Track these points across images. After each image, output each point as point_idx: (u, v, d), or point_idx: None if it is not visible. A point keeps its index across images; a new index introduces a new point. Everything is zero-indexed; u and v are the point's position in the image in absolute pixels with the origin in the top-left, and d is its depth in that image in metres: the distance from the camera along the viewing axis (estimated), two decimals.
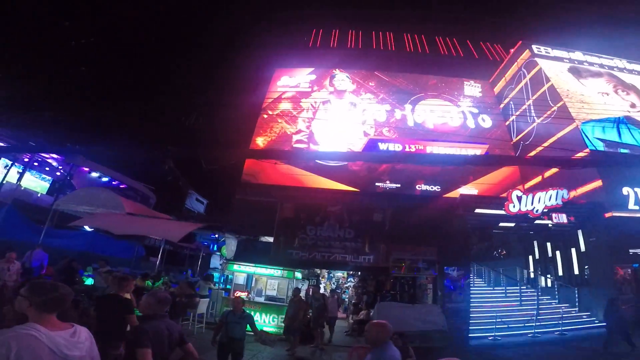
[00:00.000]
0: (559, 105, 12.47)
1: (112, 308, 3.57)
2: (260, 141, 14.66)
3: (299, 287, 13.41)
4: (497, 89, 16.42)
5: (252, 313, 10.50)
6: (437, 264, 10.55)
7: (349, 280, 17.02)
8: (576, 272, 11.29)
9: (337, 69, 16.71)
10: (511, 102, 15.14)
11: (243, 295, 10.91)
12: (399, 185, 13.58)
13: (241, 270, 11.64)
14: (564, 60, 14.65)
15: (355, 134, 14.73)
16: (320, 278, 15.81)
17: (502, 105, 15.78)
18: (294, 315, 7.61)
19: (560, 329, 9.70)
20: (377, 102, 15.71)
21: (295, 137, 14.74)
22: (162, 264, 12.99)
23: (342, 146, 14.40)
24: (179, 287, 8.28)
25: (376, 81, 16.49)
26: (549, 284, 12.22)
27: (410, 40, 19.05)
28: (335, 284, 19.30)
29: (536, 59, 14.31)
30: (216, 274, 12.51)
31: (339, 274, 18.66)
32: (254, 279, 12.40)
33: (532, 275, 13.07)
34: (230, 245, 11.52)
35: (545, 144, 11.71)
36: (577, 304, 11.05)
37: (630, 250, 10.35)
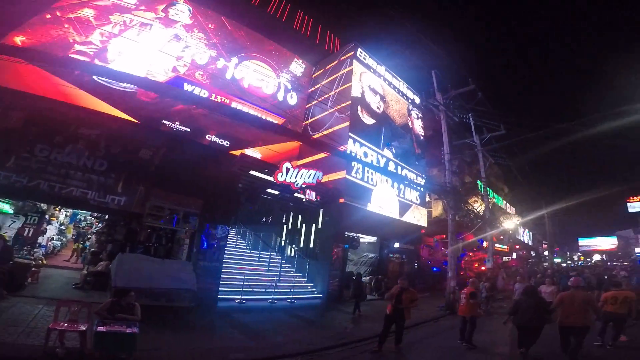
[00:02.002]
0: (345, 104, 14.44)
1: None
2: (19, 40, 10.23)
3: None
4: (315, 74, 17.57)
5: None
6: (199, 218, 10.07)
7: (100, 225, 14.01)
8: (312, 245, 13.13)
9: None
10: (319, 90, 16.50)
11: None
12: (188, 130, 12.24)
13: None
14: (370, 69, 16.76)
15: (162, 67, 12.39)
16: (50, 217, 12.20)
17: (311, 90, 16.97)
18: None
19: (291, 297, 10.73)
20: (206, 45, 13.72)
21: (77, 47, 11.01)
22: None
23: (140, 74, 11.84)
24: None
25: (217, 26, 14.34)
26: (292, 254, 13.73)
27: (276, 2, 17.98)
28: (80, 227, 15.61)
29: (354, 60, 15.72)
30: None
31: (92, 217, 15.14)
32: None
33: (282, 243, 14.51)
34: None
35: (326, 132, 13.42)
36: (307, 274, 12.57)
37: (346, 233, 13.08)
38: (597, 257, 64.33)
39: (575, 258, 67.96)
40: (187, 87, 12.79)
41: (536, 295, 6.40)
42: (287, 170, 10.50)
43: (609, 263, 49.25)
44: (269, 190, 11.33)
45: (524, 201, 33.64)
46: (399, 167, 16.38)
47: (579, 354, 5.69)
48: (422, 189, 17.22)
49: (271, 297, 10.35)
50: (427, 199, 18.66)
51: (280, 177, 10.41)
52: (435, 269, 18.68)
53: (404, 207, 15.85)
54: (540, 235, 44.54)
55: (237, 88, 14.26)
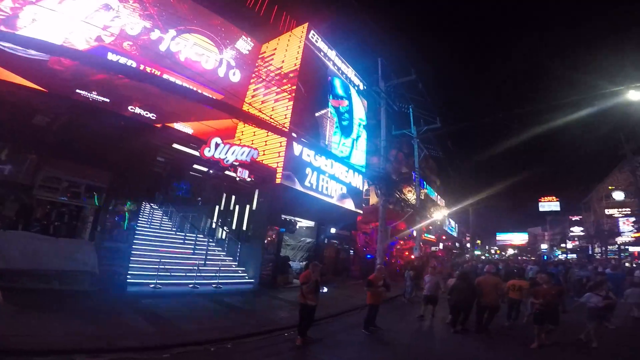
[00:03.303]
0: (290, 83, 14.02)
1: None
2: None
3: None
4: (262, 53, 16.71)
5: None
6: (105, 193, 8.88)
7: None
8: (245, 228, 12.47)
9: None
10: (264, 67, 15.73)
11: None
12: (107, 100, 10.86)
13: None
14: (321, 52, 16.12)
15: (84, 35, 11.02)
16: None
17: (258, 68, 16.08)
18: None
19: (217, 281, 10.04)
20: (140, 16, 12.28)
21: None
22: None
23: (56, 42, 10.40)
24: None
25: None
26: (224, 236, 12.90)
27: None
28: None
29: (305, 41, 14.95)
30: None
31: None
32: None
33: (213, 225, 13.58)
34: None
35: (272, 114, 12.89)
36: (238, 258, 11.88)
37: (283, 216, 12.61)
38: (510, 251, 72.73)
39: (493, 251, 75.69)
40: (112, 56, 11.50)
41: (469, 280, 7.55)
42: (217, 145, 9.69)
43: (519, 257, 55.28)
44: (196, 166, 10.41)
45: (452, 194, 36.47)
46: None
47: (488, 328, 7.11)
48: (353, 173, 17.11)
49: (193, 281, 9.63)
50: (365, 186, 18.87)
51: (208, 153, 9.56)
52: (369, 256, 18.85)
53: (342, 193, 15.86)
54: (464, 228, 48.99)
55: (172, 61, 13.04)
